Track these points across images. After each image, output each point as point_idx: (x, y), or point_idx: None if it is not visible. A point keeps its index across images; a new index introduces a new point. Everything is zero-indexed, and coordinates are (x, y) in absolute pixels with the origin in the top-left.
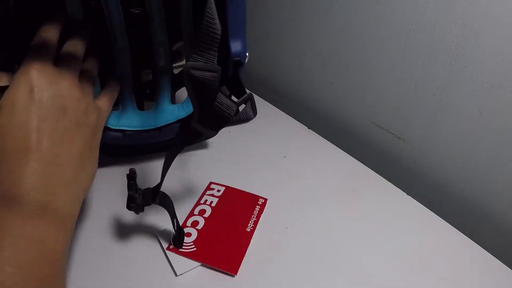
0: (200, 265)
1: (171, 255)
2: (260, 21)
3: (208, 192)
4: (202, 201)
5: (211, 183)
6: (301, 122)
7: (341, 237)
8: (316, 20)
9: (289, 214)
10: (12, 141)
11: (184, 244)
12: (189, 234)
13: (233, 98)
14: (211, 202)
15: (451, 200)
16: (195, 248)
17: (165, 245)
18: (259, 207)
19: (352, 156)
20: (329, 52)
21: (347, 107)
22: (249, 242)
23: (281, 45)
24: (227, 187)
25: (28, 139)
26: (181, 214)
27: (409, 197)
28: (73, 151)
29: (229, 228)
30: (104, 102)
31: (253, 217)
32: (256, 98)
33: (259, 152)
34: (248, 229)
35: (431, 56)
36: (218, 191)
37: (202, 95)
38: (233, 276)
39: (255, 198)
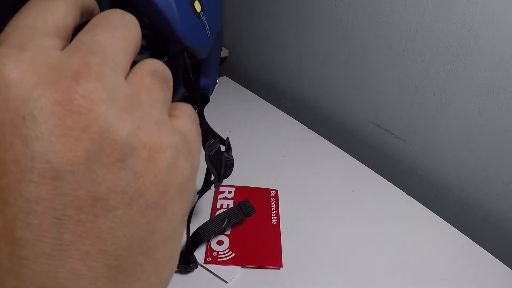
0: (242, 266)
1: (212, 267)
2: (260, 21)
3: (220, 196)
4: (218, 206)
5: (218, 186)
6: (301, 122)
7: (340, 237)
8: (316, 20)
9: (288, 214)
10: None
11: (219, 252)
12: (221, 242)
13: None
14: (228, 205)
15: (451, 200)
16: (233, 254)
17: (199, 261)
18: (274, 199)
19: (352, 156)
20: (329, 52)
21: (347, 107)
22: (280, 234)
23: (281, 45)
24: (236, 187)
25: None
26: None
27: (409, 197)
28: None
29: (255, 225)
30: (190, 127)
31: (273, 209)
32: (256, 98)
33: (259, 152)
34: (274, 222)
35: (431, 56)
36: (229, 192)
37: (216, 164)
38: (279, 268)
39: (267, 191)
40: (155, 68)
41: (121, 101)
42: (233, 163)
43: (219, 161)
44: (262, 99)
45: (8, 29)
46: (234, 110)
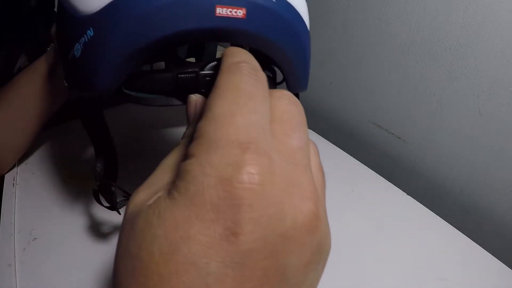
0: None
1: None
2: None
3: None
4: None
5: None
6: None
7: (340, 237)
8: (316, 20)
9: None
10: None
11: None
12: None
13: None
14: None
15: (451, 200)
16: None
17: None
18: None
19: (352, 156)
20: (329, 52)
21: (347, 107)
22: None
23: None
24: None
25: None
26: None
27: (409, 197)
28: None
29: None
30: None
31: None
32: None
33: None
34: None
35: (431, 56)
36: None
37: None
38: None
39: None
40: (317, 162)
41: (325, 213)
42: None
43: None
44: None
45: (239, 120)
46: None
